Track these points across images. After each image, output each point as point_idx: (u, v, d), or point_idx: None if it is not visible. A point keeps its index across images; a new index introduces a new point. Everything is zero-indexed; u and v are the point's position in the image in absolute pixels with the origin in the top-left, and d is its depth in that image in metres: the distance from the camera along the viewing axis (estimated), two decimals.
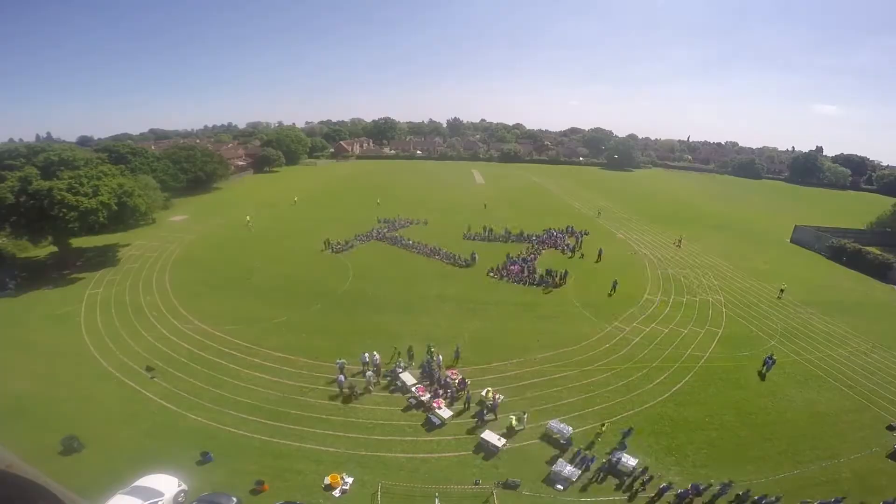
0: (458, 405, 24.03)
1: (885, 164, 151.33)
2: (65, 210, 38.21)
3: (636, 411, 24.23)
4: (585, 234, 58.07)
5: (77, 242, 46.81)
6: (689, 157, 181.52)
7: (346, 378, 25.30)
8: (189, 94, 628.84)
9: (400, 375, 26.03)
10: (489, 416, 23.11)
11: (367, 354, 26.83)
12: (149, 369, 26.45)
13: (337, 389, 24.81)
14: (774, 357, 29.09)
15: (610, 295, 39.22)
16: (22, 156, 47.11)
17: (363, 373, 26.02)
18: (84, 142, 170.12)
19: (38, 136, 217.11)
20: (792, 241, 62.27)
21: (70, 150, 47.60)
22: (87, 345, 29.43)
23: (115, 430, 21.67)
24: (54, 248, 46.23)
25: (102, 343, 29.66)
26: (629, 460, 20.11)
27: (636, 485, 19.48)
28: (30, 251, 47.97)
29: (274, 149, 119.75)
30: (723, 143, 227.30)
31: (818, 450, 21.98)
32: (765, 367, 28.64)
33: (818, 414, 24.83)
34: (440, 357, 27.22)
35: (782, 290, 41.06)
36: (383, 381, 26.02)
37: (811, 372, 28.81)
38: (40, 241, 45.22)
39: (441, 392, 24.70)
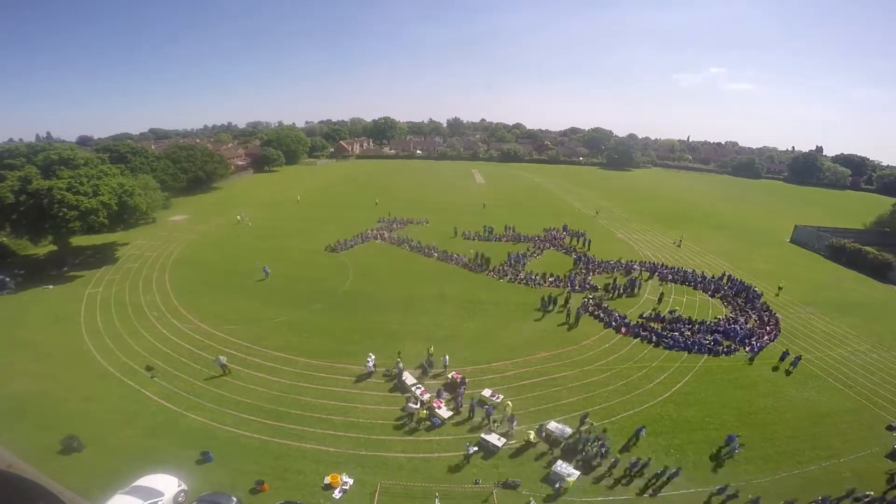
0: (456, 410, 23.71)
1: (885, 163, 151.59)
2: (65, 209, 38.16)
3: (636, 411, 24.24)
4: (583, 234, 57.93)
5: (76, 241, 46.75)
6: (689, 157, 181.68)
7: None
8: (189, 94, 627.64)
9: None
10: (495, 421, 22.65)
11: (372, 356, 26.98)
12: (149, 369, 26.43)
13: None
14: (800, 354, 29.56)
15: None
16: (22, 155, 46.84)
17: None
18: (84, 141, 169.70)
19: (38, 136, 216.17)
20: (792, 240, 62.31)
21: (70, 149, 47.42)
22: (87, 344, 29.41)
23: (115, 430, 21.66)
24: (53, 247, 46.18)
25: (102, 342, 29.65)
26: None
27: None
28: (28, 249, 47.94)
29: (274, 148, 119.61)
30: (723, 143, 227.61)
31: (818, 450, 22.00)
32: (790, 365, 28.92)
33: (818, 414, 24.86)
34: (446, 358, 27.09)
35: (780, 288, 41.67)
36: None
37: (811, 372, 28.81)
38: (40, 240, 45.17)
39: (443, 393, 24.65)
